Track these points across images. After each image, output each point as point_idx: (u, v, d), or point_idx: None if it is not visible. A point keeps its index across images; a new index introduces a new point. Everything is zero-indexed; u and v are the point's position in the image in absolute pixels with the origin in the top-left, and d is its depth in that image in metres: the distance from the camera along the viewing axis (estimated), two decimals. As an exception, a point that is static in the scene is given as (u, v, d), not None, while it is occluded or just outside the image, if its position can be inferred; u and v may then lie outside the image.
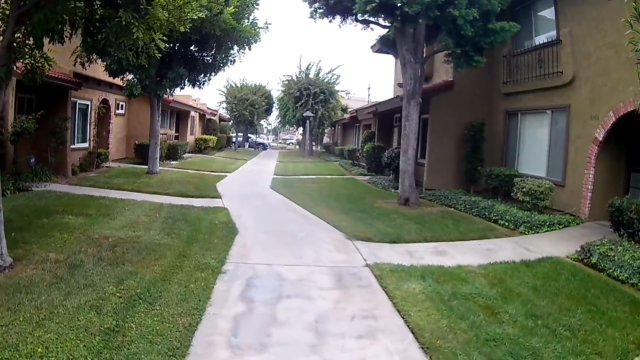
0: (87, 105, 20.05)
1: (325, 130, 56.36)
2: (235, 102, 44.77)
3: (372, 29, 16.16)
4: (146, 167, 19.91)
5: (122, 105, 24.83)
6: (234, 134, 50.63)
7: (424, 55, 15.46)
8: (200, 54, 18.97)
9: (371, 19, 15.04)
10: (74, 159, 18.13)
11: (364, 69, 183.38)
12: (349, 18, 15.68)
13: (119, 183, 15.75)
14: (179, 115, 34.55)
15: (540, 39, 15.06)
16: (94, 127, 20.15)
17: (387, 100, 22.22)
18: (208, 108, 43.98)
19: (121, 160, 24.41)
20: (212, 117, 44.61)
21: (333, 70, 44.23)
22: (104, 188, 14.68)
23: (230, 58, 18.86)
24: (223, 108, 47.18)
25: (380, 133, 26.33)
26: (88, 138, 20.03)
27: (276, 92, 52.37)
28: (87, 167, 18.97)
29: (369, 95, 67.66)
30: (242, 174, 23.31)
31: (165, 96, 25.30)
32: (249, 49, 18.35)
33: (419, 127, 15.34)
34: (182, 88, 19.85)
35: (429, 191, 16.36)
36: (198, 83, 19.94)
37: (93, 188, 14.61)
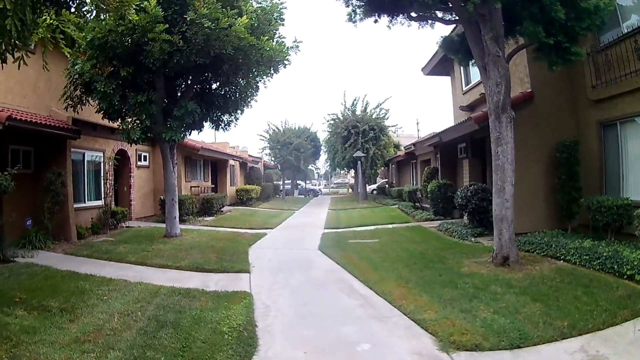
0: (99, 156, 17.37)
1: (378, 171, 52.50)
2: (279, 146, 41.17)
3: (431, 25, 12.25)
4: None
5: (145, 157, 21.90)
6: (282, 182, 46.61)
7: (505, 54, 11.13)
8: (216, 83, 15.61)
9: (431, 12, 11.45)
10: (84, 220, 15.73)
11: (409, 102, 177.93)
12: (400, 16, 11.83)
13: (123, 252, 12.39)
14: (216, 165, 31.21)
15: (631, 23, 11.28)
16: (108, 182, 16.95)
17: (454, 126, 18.08)
18: (250, 155, 40.84)
19: (147, 218, 21.46)
20: (255, 165, 41.30)
21: (381, 104, 40.41)
22: (102, 259, 11.61)
23: (253, 85, 15.38)
24: (266, 154, 43.76)
25: (443, 169, 22.38)
26: (103, 195, 16.89)
27: (322, 134, 49.01)
28: (99, 228, 16.03)
29: (418, 130, 63.52)
30: (286, 230, 19.42)
31: (192, 143, 22.37)
32: (276, 72, 14.70)
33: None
34: (199, 130, 16.33)
35: (517, 236, 11.65)
36: (222, 124, 16.36)
37: (89, 259, 11.65)
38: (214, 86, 15.54)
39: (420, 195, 25.61)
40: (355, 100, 40.65)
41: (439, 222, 18.63)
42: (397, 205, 29.65)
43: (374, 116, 39.81)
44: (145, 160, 22.10)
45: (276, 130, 42.95)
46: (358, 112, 40.24)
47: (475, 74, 18.33)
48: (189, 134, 17.03)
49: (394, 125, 41.29)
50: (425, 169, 24.00)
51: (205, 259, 11.73)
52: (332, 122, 41.38)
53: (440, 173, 22.47)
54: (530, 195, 13.33)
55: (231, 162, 33.29)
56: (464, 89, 20.06)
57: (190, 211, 21.54)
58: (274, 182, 47.51)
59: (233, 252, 12.81)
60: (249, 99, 15.82)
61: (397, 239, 15.02)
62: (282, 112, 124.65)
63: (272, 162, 43.92)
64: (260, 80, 15.33)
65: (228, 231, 17.97)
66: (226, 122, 16.45)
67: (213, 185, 29.77)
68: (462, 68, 19.98)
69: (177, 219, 15.86)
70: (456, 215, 19.37)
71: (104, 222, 16.23)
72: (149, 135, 14.55)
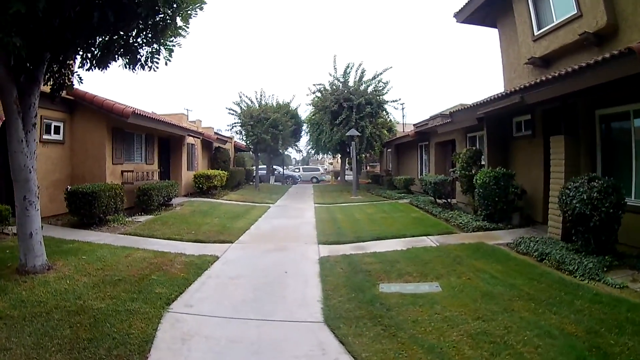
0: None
1: (366, 156, 44.93)
2: (252, 122, 32.57)
3: None
4: (82, 231, 12.57)
5: (56, 128, 15.25)
6: (256, 167, 37.61)
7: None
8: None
9: None
10: None
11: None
12: None
13: None
14: (168, 144, 23.52)
15: None
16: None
17: (537, 83, 10.83)
18: (216, 133, 32.72)
19: (59, 217, 14.38)
20: (222, 146, 33.17)
21: (379, 75, 32.43)
22: None
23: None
24: (237, 133, 35.04)
25: (492, 152, 15.48)
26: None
27: (305, 113, 41.09)
28: None
29: (403, 116, 55.59)
30: (254, 247, 11.68)
31: (118, 106, 15.25)
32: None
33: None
34: (101, 63, 8.45)
35: None
36: (138, 56, 8.58)
37: None
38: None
39: (449, 189, 18.21)
40: (348, 67, 32.64)
41: (500, 231, 12.58)
42: (406, 200, 22.57)
43: (370, 88, 32.05)
44: (57, 133, 15.21)
45: (249, 103, 34.56)
46: (351, 83, 32.40)
47: (561, 5, 12.09)
48: (72, 68, 9.36)
49: (396, 101, 32.86)
50: (464, 151, 16.62)
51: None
52: (318, 94, 33.37)
53: (487, 158, 15.41)
54: None
55: (189, 139, 25.49)
56: (537, 33, 13.31)
57: (114, 208, 14.22)
58: (246, 168, 39.53)
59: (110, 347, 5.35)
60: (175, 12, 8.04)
61: (480, 286, 7.61)
62: (258, 85, 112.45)
63: (243, 142, 35.54)
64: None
65: (152, 251, 10.40)
66: (146, 57, 8.62)
67: (161, 170, 22.04)
68: (532, 5, 13.40)
69: (39, 235, 8.11)
70: (516, 220, 13.45)
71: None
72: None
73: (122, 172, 17.20)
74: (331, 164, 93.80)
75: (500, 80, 17.40)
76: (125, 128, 17.29)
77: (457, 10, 17.12)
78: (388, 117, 33.20)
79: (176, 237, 12.25)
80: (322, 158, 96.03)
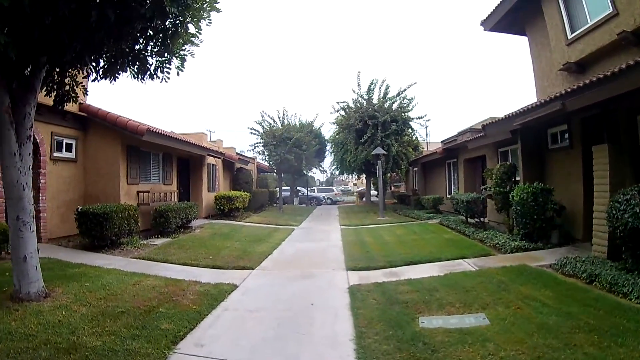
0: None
1: (391, 176, 43.88)
2: (275, 142, 31.73)
3: None
4: (92, 254, 11.78)
5: (69, 145, 14.59)
6: (279, 188, 36.94)
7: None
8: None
9: None
10: None
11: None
12: None
13: None
14: (187, 164, 22.79)
15: None
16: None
17: (580, 87, 9.83)
18: (238, 154, 31.91)
19: (71, 238, 13.76)
20: (245, 167, 32.44)
21: (403, 91, 31.65)
22: None
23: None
24: (259, 152, 34.14)
25: (527, 166, 14.44)
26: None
27: (328, 132, 40.27)
28: None
29: (427, 134, 54.45)
30: (277, 275, 10.69)
31: (132, 123, 14.58)
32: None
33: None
34: (109, 73, 7.71)
35: None
36: (147, 65, 7.82)
37: None
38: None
39: (481, 207, 17.19)
40: (372, 84, 31.88)
41: (541, 251, 11.66)
42: (436, 220, 21.42)
43: (394, 105, 31.14)
44: (69, 150, 14.59)
45: (272, 122, 33.77)
46: (375, 100, 31.60)
47: (595, 4, 11.23)
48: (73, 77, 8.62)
49: (421, 117, 31.82)
50: (498, 167, 15.59)
51: None
52: (342, 112, 32.55)
53: (522, 173, 14.40)
54: None
55: (210, 160, 24.81)
56: (571, 36, 12.33)
57: (127, 230, 13.37)
58: (270, 189, 38.76)
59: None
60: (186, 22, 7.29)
61: (532, 316, 6.54)
62: (281, 104, 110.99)
63: (266, 162, 34.66)
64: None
65: (164, 278, 9.47)
66: (155, 66, 7.85)
67: (181, 191, 21.33)
68: (563, 6, 12.59)
69: (34, 259, 7.30)
70: (555, 239, 12.41)
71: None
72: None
73: (138, 192, 16.50)
74: (355, 184, 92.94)
75: (531, 91, 16.49)
76: (141, 147, 16.63)
77: (484, 18, 16.35)
78: (414, 134, 32.26)
79: (192, 263, 11.36)
80: (346, 179, 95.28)
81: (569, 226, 12.58)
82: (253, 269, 10.96)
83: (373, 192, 44.89)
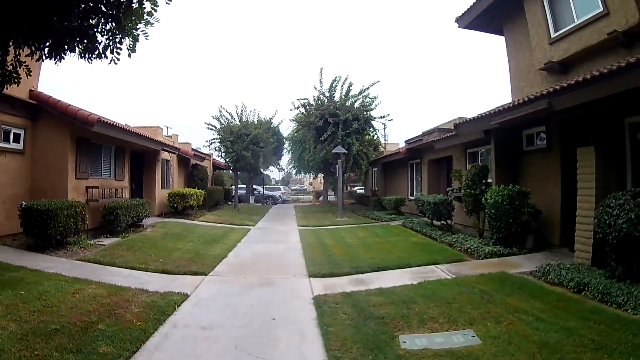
0: None
1: (349, 176, 43.15)
2: (232, 138, 30.58)
3: None
4: (35, 256, 10.78)
5: (15, 135, 13.30)
6: (235, 186, 35.62)
7: None
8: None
9: None
10: None
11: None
12: None
13: None
14: (142, 159, 21.56)
15: None
16: None
17: (570, 85, 9.24)
18: (193, 150, 30.64)
19: (15, 236, 12.34)
20: (200, 163, 31.20)
21: (366, 89, 31.03)
22: None
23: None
24: (215, 149, 32.76)
25: (500, 169, 13.98)
26: None
27: (287, 130, 39.34)
28: None
29: (385, 135, 53.59)
30: (232, 281, 9.59)
31: (81, 113, 13.40)
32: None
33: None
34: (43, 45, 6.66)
35: None
36: (95, 43, 6.80)
37: None
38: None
39: (448, 209, 16.57)
40: (334, 81, 31.04)
41: (517, 257, 11.14)
42: (398, 222, 20.91)
43: (357, 104, 30.38)
44: (16, 141, 13.26)
45: (229, 118, 32.58)
46: (337, 98, 30.77)
47: (584, 3, 10.92)
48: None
49: (384, 117, 31.10)
50: (469, 168, 15.09)
51: None
52: (302, 109, 31.60)
53: (495, 175, 13.88)
54: None
55: (165, 155, 23.58)
56: (555, 35, 11.97)
57: (74, 229, 12.20)
58: (225, 187, 37.67)
59: None
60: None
61: (529, 334, 5.82)
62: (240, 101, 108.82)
63: (222, 159, 33.49)
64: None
65: (108, 285, 8.35)
66: (105, 45, 6.85)
67: (133, 187, 20.28)
68: (547, 4, 12.27)
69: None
70: (529, 244, 11.96)
71: None
72: None
73: (87, 188, 15.28)
74: (311, 184, 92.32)
75: (500, 93, 16.05)
76: (93, 139, 15.43)
77: (460, 15, 15.84)
78: (375, 134, 31.49)
79: (140, 267, 10.26)
80: (302, 178, 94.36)
81: (545, 231, 12.23)
82: (206, 274, 9.94)
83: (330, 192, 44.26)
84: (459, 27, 16.17)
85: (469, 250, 12.14)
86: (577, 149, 10.03)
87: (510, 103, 11.88)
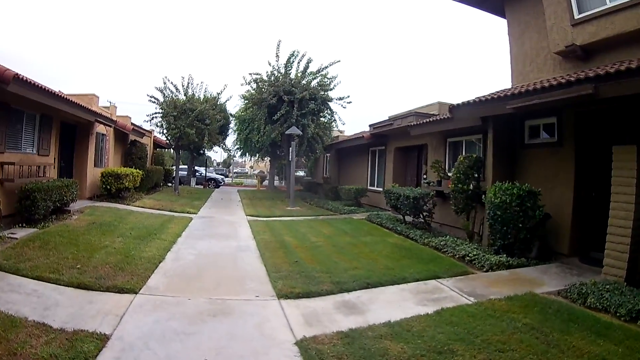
0: None
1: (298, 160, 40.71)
2: (175, 113, 27.18)
3: None
4: None
5: None
6: (176, 166, 31.86)
7: None
8: None
9: None
10: None
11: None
12: None
13: None
14: (73, 131, 18.59)
15: None
16: None
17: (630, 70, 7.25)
18: (133, 124, 27.01)
19: None
20: (139, 140, 27.93)
21: (324, 68, 27.90)
22: None
23: None
24: (156, 125, 28.69)
25: (498, 162, 11.91)
26: None
27: (235, 109, 36.45)
28: None
29: (335, 120, 51.20)
30: (171, 313, 6.58)
31: None
32: None
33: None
34: None
35: None
36: None
37: None
38: None
39: (432, 205, 14.63)
40: (292, 56, 27.95)
41: (528, 269, 9.51)
42: (361, 215, 19.01)
43: (314, 82, 27.63)
44: None
45: (175, 90, 28.67)
46: (293, 75, 27.69)
47: None
48: None
49: (343, 98, 28.19)
50: (461, 159, 12.99)
51: None
52: (253, 84, 28.32)
53: (492, 170, 11.80)
54: None
55: (100, 128, 20.56)
56: (579, 16, 10.37)
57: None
58: (166, 167, 34.71)
59: None
60: None
61: None
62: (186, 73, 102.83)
63: (164, 137, 30.21)
64: None
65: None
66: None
67: (62, 165, 17.51)
68: None
69: None
70: (534, 252, 10.28)
71: None
72: None
73: (2, 164, 12.34)
74: (252, 167, 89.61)
75: (484, 79, 14.16)
76: (11, 103, 12.46)
77: None
78: (333, 116, 28.78)
79: (51, 276, 7.47)
80: (243, 161, 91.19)
81: (551, 237, 10.51)
82: (136, 292, 7.20)
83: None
84: (453, -1, 14.20)
85: (466, 258, 10.21)
86: (613, 147, 8.39)
87: (538, 84, 9.94)
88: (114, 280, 7.62)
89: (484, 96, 11.62)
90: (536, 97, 9.51)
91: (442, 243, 11.61)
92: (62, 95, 14.51)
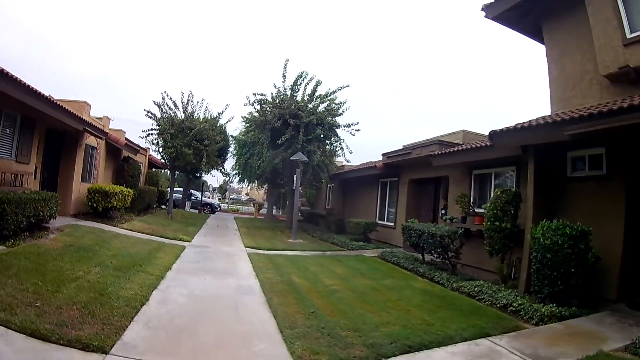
0: None
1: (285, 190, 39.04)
2: (172, 131, 25.50)
3: None
4: None
5: None
6: (171, 188, 30.09)
7: None
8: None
9: None
10: None
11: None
12: None
13: None
14: (62, 141, 17.17)
15: None
16: None
17: None
18: (127, 139, 25.10)
19: None
20: (133, 157, 26.10)
21: (332, 92, 26.18)
22: None
23: None
24: (152, 142, 26.92)
25: (540, 198, 10.62)
26: None
27: (235, 131, 34.67)
28: None
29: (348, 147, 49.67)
30: None
31: None
32: None
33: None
34: None
35: None
36: None
37: None
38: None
39: (459, 245, 12.92)
40: (300, 77, 26.31)
41: (580, 319, 8.35)
42: (372, 252, 17.40)
43: (321, 107, 25.93)
44: None
45: (173, 106, 26.91)
46: (299, 98, 26.03)
47: None
48: None
49: (351, 125, 26.39)
50: (497, 193, 11.65)
51: None
52: (257, 106, 26.43)
53: (533, 206, 10.46)
54: None
55: (90, 139, 18.98)
56: (631, 36, 9.56)
57: None
58: (160, 188, 32.93)
59: None
60: None
61: None
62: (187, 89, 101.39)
63: (159, 156, 28.50)
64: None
65: None
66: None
67: (45, 176, 16.18)
68: None
69: None
70: (575, 300, 8.91)
71: None
72: None
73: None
74: (247, 194, 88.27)
75: (499, 110, 12.84)
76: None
77: (488, 3, 13.09)
78: (339, 144, 27.00)
79: (1, 317, 5.70)
80: (240, 187, 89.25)
81: (598, 282, 9.53)
82: (106, 351, 5.28)
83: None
84: (485, 16, 13.38)
85: (509, 308, 8.96)
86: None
87: (601, 107, 8.68)
88: (80, 329, 5.73)
89: (534, 120, 10.31)
90: (602, 122, 8.22)
91: (476, 289, 10.24)
92: (45, 96, 12.80)
